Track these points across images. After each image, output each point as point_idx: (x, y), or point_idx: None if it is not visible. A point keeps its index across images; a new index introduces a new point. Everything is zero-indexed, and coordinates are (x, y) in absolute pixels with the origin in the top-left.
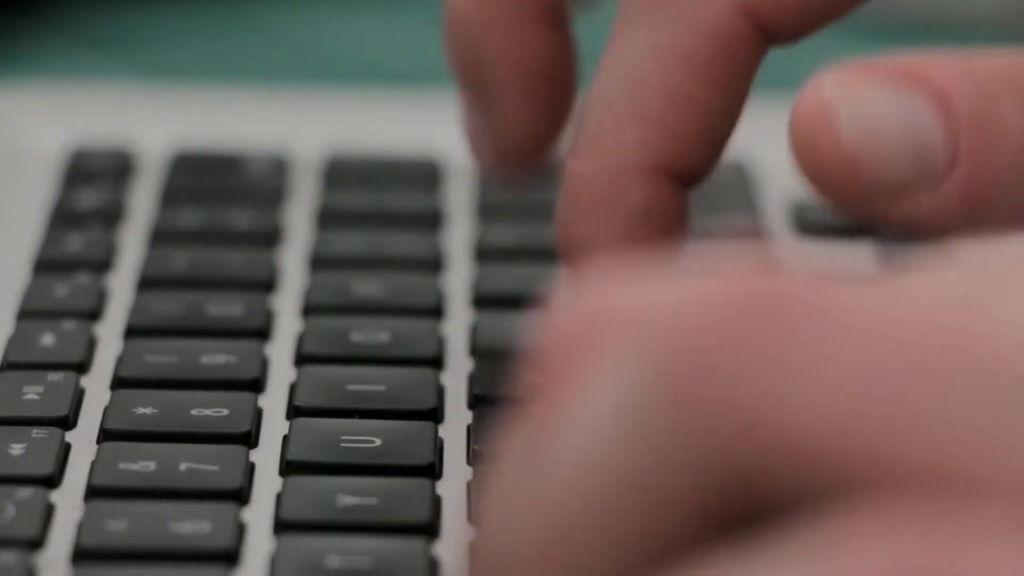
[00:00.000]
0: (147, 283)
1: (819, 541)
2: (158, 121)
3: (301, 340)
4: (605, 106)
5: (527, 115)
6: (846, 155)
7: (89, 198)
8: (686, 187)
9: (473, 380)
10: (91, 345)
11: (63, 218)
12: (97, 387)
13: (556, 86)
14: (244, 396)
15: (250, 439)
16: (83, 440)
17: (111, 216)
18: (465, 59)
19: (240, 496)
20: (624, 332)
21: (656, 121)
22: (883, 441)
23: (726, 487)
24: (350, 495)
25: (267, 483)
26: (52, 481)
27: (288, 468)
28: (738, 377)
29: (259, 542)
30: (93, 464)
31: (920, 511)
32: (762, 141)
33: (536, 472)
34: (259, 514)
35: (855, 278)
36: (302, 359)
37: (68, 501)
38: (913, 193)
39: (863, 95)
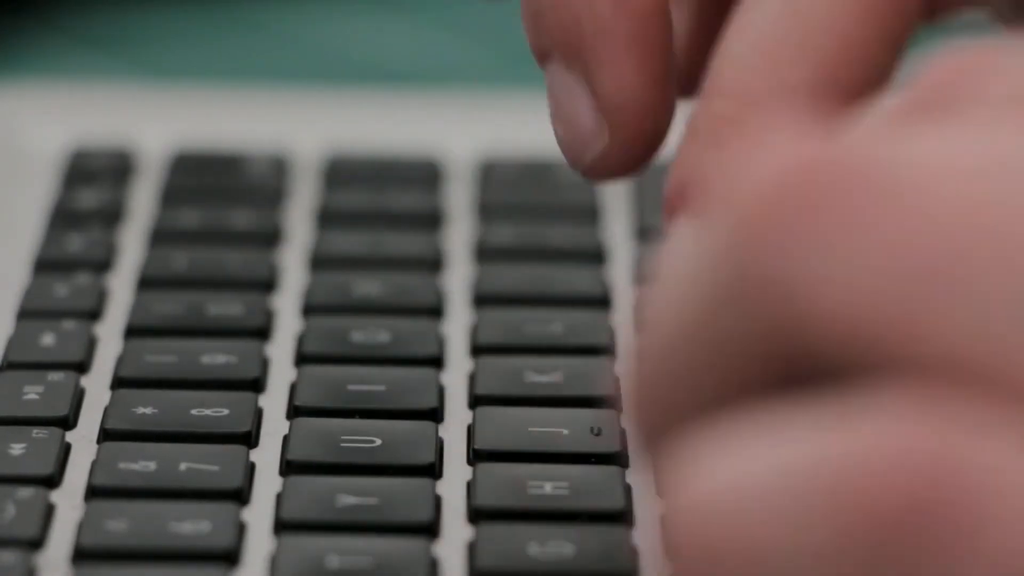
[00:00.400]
0: (147, 283)
1: (847, 411)
2: (158, 121)
3: (301, 340)
4: (753, 45)
5: (637, 74)
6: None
7: (89, 198)
8: None
9: (473, 380)
10: (91, 345)
11: (63, 218)
12: (97, 387)
13: (661, 42)
14: (244, 396)
15: (250, 439)
16: (83, 440)
17: (111, 216)
18: (558, 23)
19: (240, 496)
20: (709, 200)
21: (822, 59)
22: (913, 325)
23: (778, 350)
24: (350, 495)
25: (267, 483)
26: (52, 481)
27: (288, 468)
28: (787, 254)
29: (259, 542)
30: (93, 464)
31: (942, 400)
32: None
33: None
34: (259, 514)
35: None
36: (302, 359)
37: (68, 501)
38: None
39: None
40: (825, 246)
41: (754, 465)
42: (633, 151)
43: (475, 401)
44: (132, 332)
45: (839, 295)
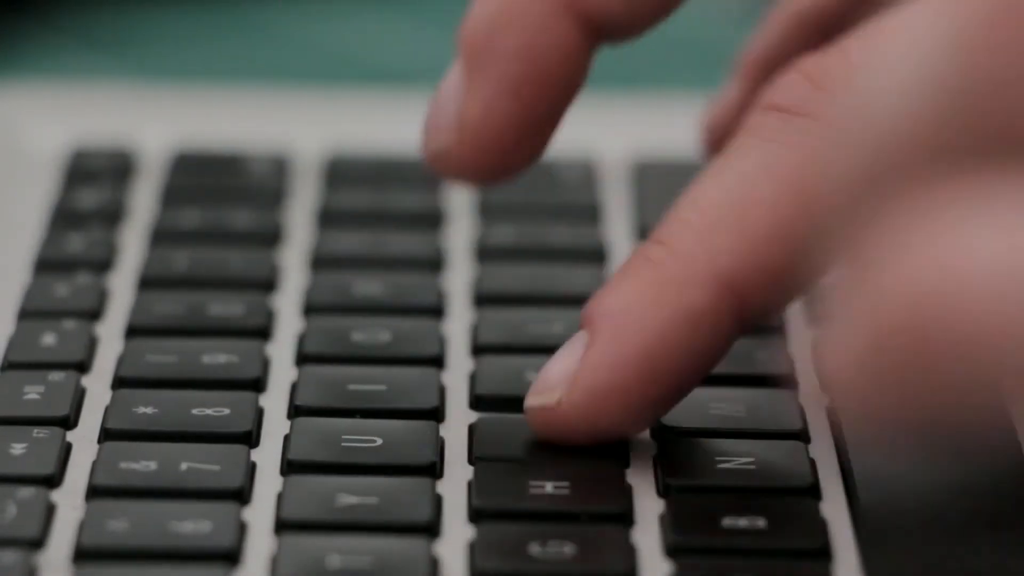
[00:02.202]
0: (148, 283)
1: None
2: (158, 121)
3: (302, 340)
4: (698, 205)
5: (501, 107)
6: None
7: (89, 198)
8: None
9: (474, 379)
10: (92, 345)
11: (63, 218)
12: (98, 387)
13: (557, 95)
14: (245, 396)
15: (251, 439)
16: (84, 440)
17: (111, 216)
18: (474, 27)
19: (241, 496)
20: None
21: (748, 240)
22: None
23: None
24: (351, 495)
25: (268, 483)
26: (53, 481)
27: (289, 468)
28: None
29: (260, 542)
30: (94, 464)
31: None
32: None
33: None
34: (260, 514)
35: None
36: (303, 359)
37: (69, 501)
38: None
39: None
40: None
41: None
42: (473, 164)
43: (476, 401)
44: (133, 332)
45: None
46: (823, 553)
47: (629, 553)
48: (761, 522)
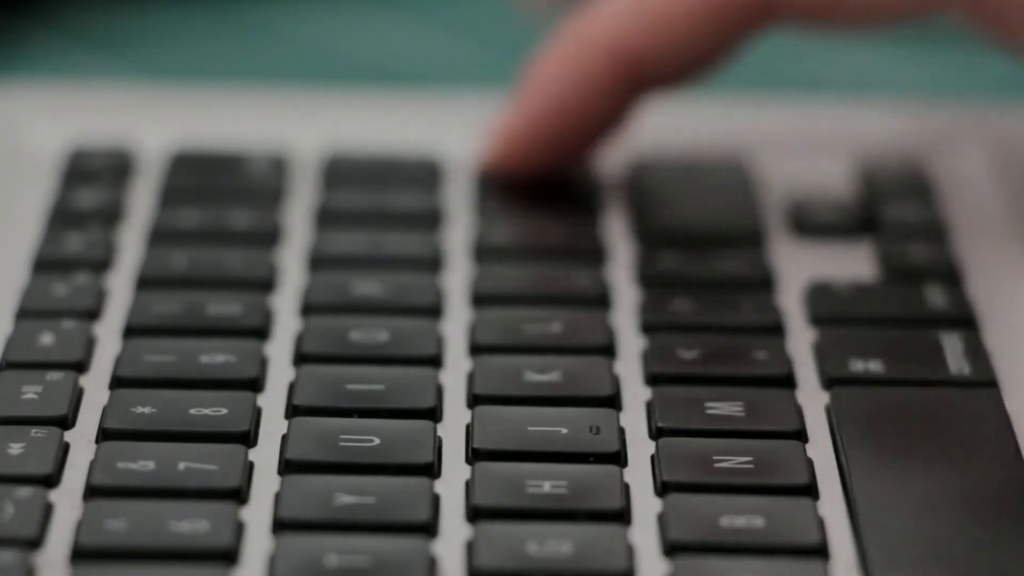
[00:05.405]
0: (146, 283)
1: None
2: (158, 121)
3: (300, 339)
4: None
5: (524, 134)
6: None
7: (89, 198)
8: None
9: (472, 379)
10: (90, 345)
11: (63, 218)
12: (96, 387)
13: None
14: (243, 395)
15: (249, 438)
16: (82, 440)
17: (111, 216)
18: (542, 66)
19: (239, 495)
20: None
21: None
22: None
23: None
24: (349, 494)
25: (266, 482)
26: (51, 481)
27: (287, 467)
28: None
29: (258, 541)
30: (92, 463)
31: None
32: (762, 141)
33: None
34: (258, 513)
35: None
36: (301, 358)
37: (67, 500)
38: None
39: None
40: None
41: None
42: (507, 166)
43: (474, 400)
44: (131, 332)
45: None
46: (820, 552)
47: (627, 552)
48: (759, 521)
